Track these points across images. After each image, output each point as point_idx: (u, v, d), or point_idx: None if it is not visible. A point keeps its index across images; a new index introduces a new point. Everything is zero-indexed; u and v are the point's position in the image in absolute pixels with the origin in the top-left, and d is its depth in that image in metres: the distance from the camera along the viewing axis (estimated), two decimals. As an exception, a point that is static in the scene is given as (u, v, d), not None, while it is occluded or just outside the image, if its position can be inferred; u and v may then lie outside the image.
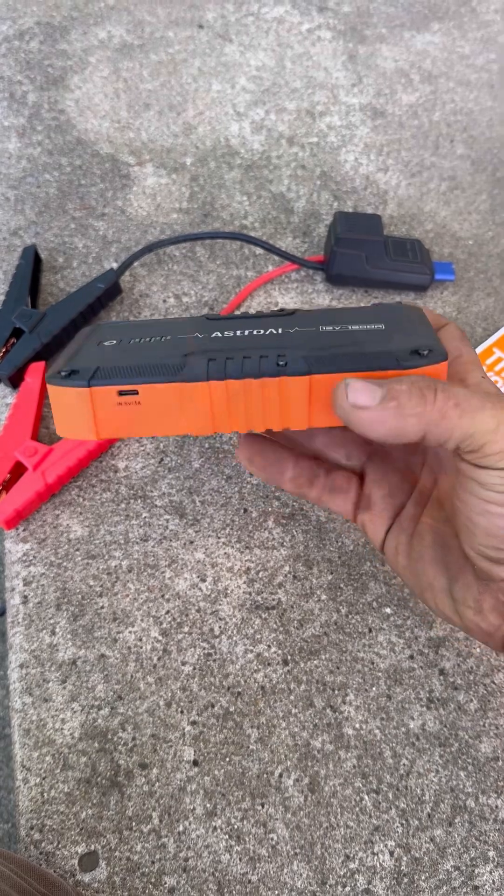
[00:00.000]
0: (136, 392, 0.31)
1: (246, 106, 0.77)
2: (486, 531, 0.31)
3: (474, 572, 0.33)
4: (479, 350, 0.60)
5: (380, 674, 0.48)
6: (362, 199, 0.70)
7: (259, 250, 0.65)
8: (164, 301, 0.62)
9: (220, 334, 0.34)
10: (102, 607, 0.50)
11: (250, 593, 0.50)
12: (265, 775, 0.45)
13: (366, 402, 0.28)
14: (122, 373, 0.32)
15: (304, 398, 0.32)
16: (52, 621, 0.49)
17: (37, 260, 0.62)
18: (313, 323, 0.35)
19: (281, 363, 0.31)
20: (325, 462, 0.40)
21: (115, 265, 0.64)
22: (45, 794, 0.44)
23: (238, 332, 0.34)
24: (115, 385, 0.32)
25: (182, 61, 0.80)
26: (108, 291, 0.60)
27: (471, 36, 0.85)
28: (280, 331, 0.34)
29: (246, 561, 0.52)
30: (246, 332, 0.34)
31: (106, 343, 0.35)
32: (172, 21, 0.84)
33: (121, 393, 0.32)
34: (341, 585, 0.51)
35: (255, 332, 0.34)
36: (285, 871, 0.43)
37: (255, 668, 0.48)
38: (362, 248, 0.61)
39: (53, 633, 0.49)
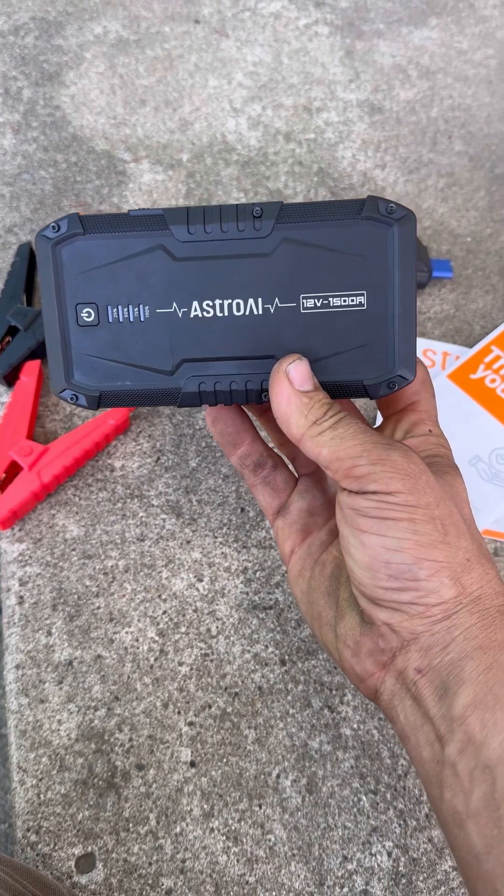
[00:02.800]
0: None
1: (243, 102, 0.76)
2: (363, 565, 0.31)
3: (360, 614, 0.33)
4: (477, 348, 0.60)
5: (378, 674, 0.48)
6: (360, 195, 0.70)
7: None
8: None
9: (199, 312, 0.33)
10: (99, 608, 0.49)
11: (247, 593, 0.50)
12: (263, 776, 0.45)
13: (295, 380, 0.32)
14: (123, 399, 0.35)
15: None
16: (48, 622, 0.49)
17: (32, 257, 0.62)
18: (296, 281, 0.33)
19: (265, 396, 0.34)
20: (276, 456, 0.40)
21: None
22: (42, 796, 0.44)
23: (218, 310, 0.33)
24: (119, 407, 0.35)
25: (178, 57, 0.80)
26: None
27: (469, 31, 0.84)
28: (260, 307, 0.33)
29: (243, 560, 0.51)
30: (226, 309, 0.33)
31: (84, 316, 0.34)
32: (168, 16, 0.83)
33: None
34: (339, 585, 0.51)
35: (235, 311, 0.33)
36: (283, 872, 0.42)
37: (253, 668, 0.48)
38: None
39: (49, 633, 0.48)
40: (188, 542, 0.52)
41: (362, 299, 0.33)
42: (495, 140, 0.75)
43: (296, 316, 0.33)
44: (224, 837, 0.43)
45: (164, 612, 0.49)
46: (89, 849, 0.43)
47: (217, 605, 0.50)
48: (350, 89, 0.78)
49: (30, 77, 0.77)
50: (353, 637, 0.33)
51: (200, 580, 0.51)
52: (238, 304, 0.33)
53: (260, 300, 0.33)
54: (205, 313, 0.33)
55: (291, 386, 0.32)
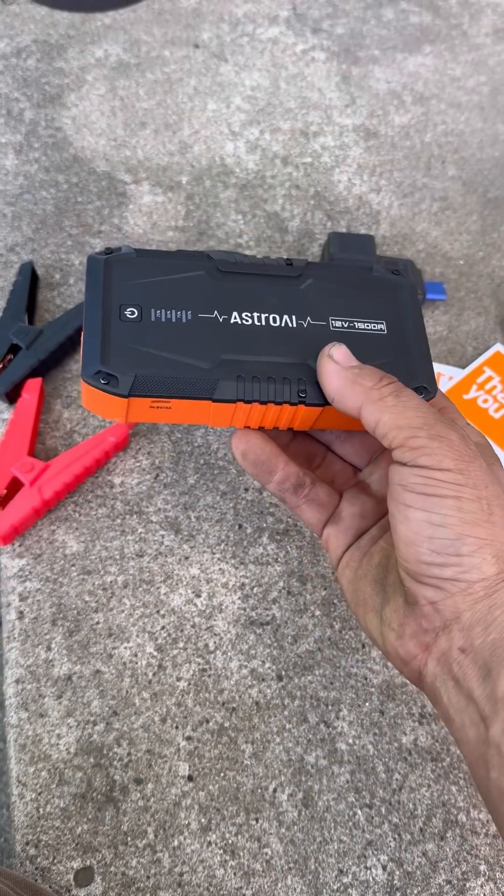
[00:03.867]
0: (168, 405, 0.35)
1: (241, 125, 0.78)
2: (407, 540, 0.32)
3: (405, 597, 0.34)
4: (469, 369, 0.61)
5: (373, 689, 0.49)
6: (355, 219, 0.71)
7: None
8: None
9: (238, 320, 0.36)
10: (98, 623, 0.50)
11: (245, 609, 0.51)
12: (259, 790, 0.45)
13: (340, 360, 0.34)
14: (159, 387, 0.34)
15: (314, 416, 0.36)
16: (47, 637, 0.49)
17: (34, 277, 0.63)
18: (324, 307, 0.37)
19: (301, 395, 0.35)
20: (312, 474, 0.41)
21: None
22: (41, 810, 0.44)
23: (256, 320, 0.36)
24: (152, 398, 0.34)
25: (178, 80, 0.81)
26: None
27: (462, 58, 0.86)
28: (294, 322, 0.36)
29: (241, 577, 0.52)
30: (263, 321, 0.36)
31: (128, 314, 0.35)
32: (168, 40, 0.85)
33: (154, 404, 0.35)
34: (335, 601, 0.51)
35: (272, 323, 0.36)
36: (279, 885, 0.43)
37: (250, 683, 0.48)
38: (356, 268, 0.62)
39: (49, 648, 0.49)
40: (186, 558, 0.53)
41: (382, 326, 0.37)
42: (487, 165, 0.77)
43: (326, 331, 0.37)
44: (221, 851, 0.44)
45: (163, 628, 0.50)
46: (88, 862, 0.43)
47: (215, 620, 0.50)
48: (346, 114, 0.80)
49: (31, 99, 0.78)
50: (397, 619, 0.34)
51: (198, 596, 0.51)
52: (274, 318, 0.36)
53: (294, 316, 0.37)
54: (244, 321, 0.36)
55: (338, 364, 0.34)
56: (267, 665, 0.49)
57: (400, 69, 0.85)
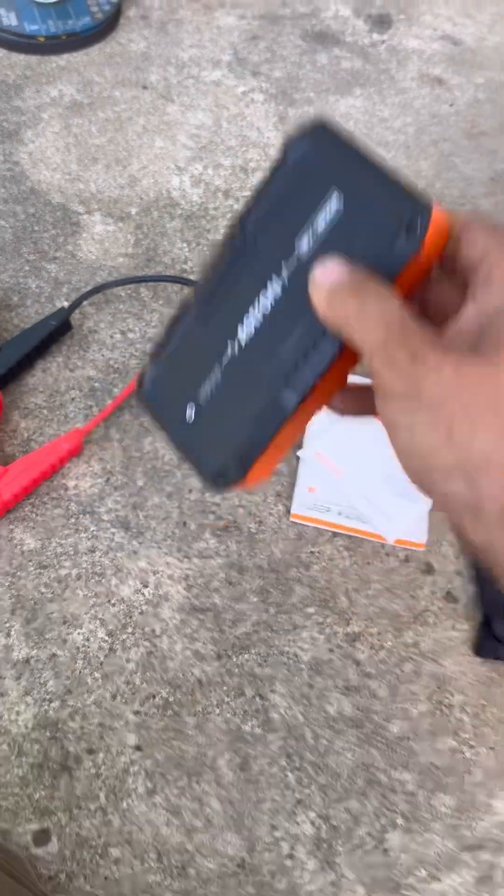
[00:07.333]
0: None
1: (186, 161, 0.84)
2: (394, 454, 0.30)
3: None
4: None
5: (303, 665, 0.54)
6: (291, 246, 0.78)
7: (197, 292, 0.72)
8: (111, 337, 0.68)
9: (243, 336, 0.31)
10: (53, 612, 0.55)
11: (189, 597, 0.56)
12: (201, 757, 0.50)
13: (322, 280, 0.29)
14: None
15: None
16: (7, 625, 0.54)
17: (-7, 299, 0.68)
18: (283, 236, 0.30)
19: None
20: None
21: (65, 304, 0.70)
22: (1, 779, 0.49)
23: (256, 324, 0.31)
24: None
25: (128, 119, 0.87)
26: (59, 328, 0.66)
27: (389, 101, 0.94)
28: (278, 286, 0.31)
29: (185, 569, 0.57)
30: (260, 317, 0.31)
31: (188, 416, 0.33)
32: (119, 82, 0.91)
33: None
34: (270, 589, 0.57)
35: (264, 304, 0.31)
36: (218, 840, 0.48)
37: (193, 663, 0.54)
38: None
39: (8, 635, 0.54)
40: (135, 552, 0.58)
41: (336, 204, 0.30)
42: (412, 199, 0.84)
43: (302, 267, 0.30)
44: (166, 811, 0.49)
45: (114, 616, 0.55)
46: (45, 825, 0.48)
47: (161, 608, 0.56)
48: (283, 151, 0.87)
49: (-10, 134, 0.84)
50: None
51: (146, 586, 0.56)
52: (266, 295, 0.31)
53: (274, 276, 0.31)
54: (247, 329, 0.32)
55: (320, 287, 0.29)
56: (208, 647, 0.54)
57: (333, 110, 0.92)
